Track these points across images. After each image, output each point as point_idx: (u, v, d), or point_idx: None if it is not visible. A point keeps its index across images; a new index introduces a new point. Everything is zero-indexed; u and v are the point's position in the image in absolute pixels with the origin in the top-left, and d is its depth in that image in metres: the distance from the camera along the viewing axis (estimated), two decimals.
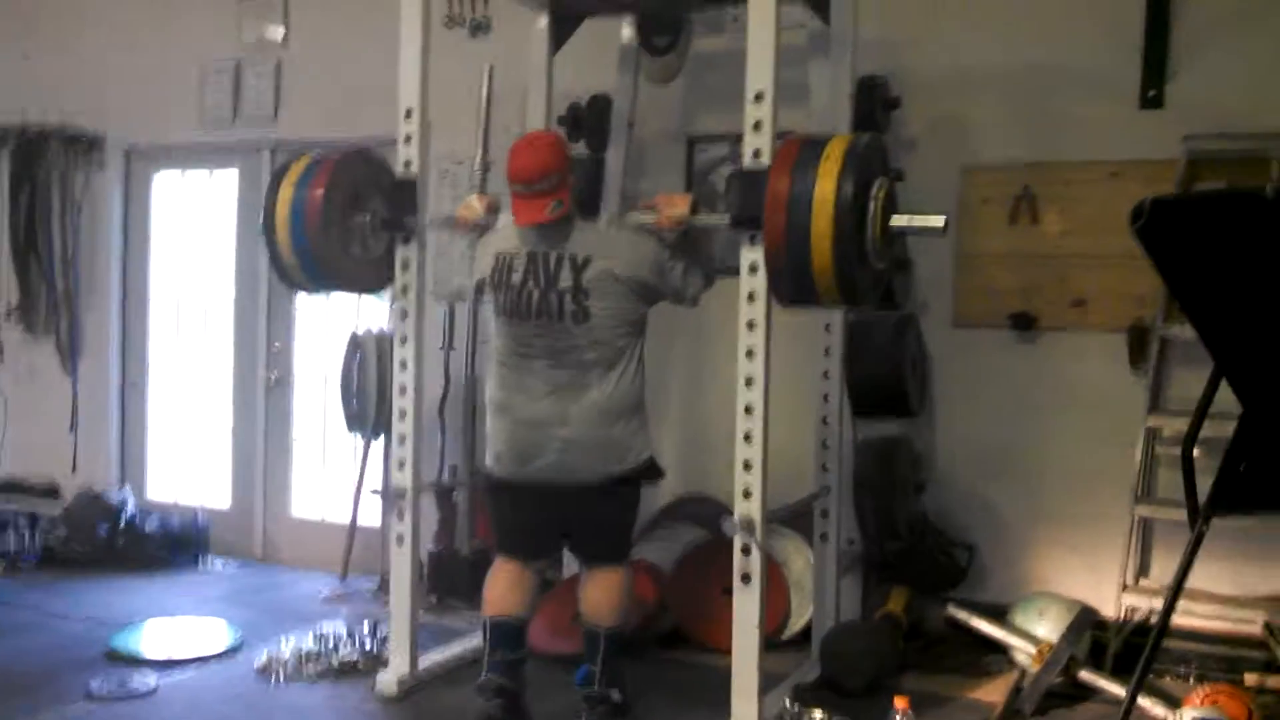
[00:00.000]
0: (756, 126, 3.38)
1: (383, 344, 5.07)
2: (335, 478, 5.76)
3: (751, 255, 3.38)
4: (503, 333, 3.56)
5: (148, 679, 3.96)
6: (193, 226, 6.26)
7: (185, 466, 6.27)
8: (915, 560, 4.36)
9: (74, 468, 6.27)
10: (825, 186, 3.06)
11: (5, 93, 6.39)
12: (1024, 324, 4.48)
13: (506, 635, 3.57)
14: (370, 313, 5.54)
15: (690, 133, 5.09)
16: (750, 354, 3.43)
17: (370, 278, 4.09)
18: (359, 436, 5.30)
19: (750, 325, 3.43)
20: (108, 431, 6.33)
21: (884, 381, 4.26)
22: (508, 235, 3.59)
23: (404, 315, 3.99)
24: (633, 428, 3.50)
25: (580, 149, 4.92)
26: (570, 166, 3.52)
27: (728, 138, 4.90)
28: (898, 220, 3.22)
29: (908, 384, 4.29)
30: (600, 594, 3.59)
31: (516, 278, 3.48)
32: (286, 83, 5.86)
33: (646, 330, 3.58)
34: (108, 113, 6.23)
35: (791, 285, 3.18)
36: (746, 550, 3.43)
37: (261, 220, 3.89)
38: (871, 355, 4.26)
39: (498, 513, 3.76)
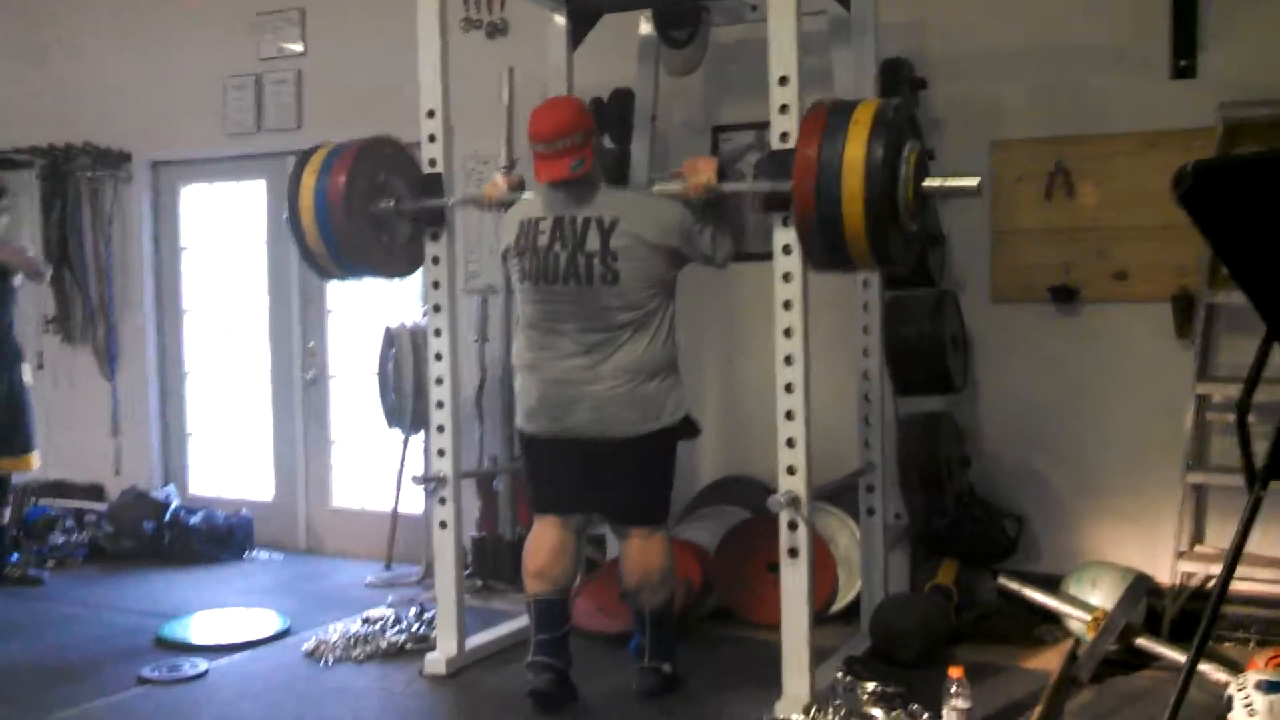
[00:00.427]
0: (783, 109, 3.36)
1: (416, 338, 5.09)
2: (375, 469, 5.80)
3: (786, 237, 3.37)
4: (530, 299, 3.55)
5: (198, 664, 3.98)
6: (223, 236, 6.32)
7: (227, 464, 6.33)
8: (963, 533, 4.34)
9: (117, 469, 6.34)
10: (855, 150, 3.06)
11: (33, 113, 6.50)
12: (1065, 297, 4.45)
13: (551, 614, 3.59)
14: (403, 307, 5.58)
15: (715, 122, 5.10)
16: (788, 333, 3.42)
17: (400, 263, 4.08)
18: (398, 430, 5.32)
19: (787, 305, 3.42)
20: (149, 433, 6.39)
21: (925, 358, 4.25)
22: (533, 203, 3.61)
23: (437, 309, 4.00)
24: (666, 385, 3.51)
25: (605, 143, 4.93)
26: (593, 130, 3.51)
27: (752, 126, 4.93)
28: (930, 182, 3.20)
29: (949, 359, 4.27)
30: (640, 565, 3.59)
31: (543, 240, 3.47)
32: (308, 92, 5.91)
33: (676, 293, 3.58)
34: (133, 128, 6.31)
35: (824, 250, 3.18)
36: (793, 526, 3.42)
37: (286, 210, 3.92)
38: (911, 332, 4.25)
39: (533, 469, 3.72)
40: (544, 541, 3.65)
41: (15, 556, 5.41)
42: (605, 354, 3.45)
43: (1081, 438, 4.51)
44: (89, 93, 6.40)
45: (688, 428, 3.62)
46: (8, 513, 5.33)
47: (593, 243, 3.42)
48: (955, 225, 4.58)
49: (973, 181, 3.24)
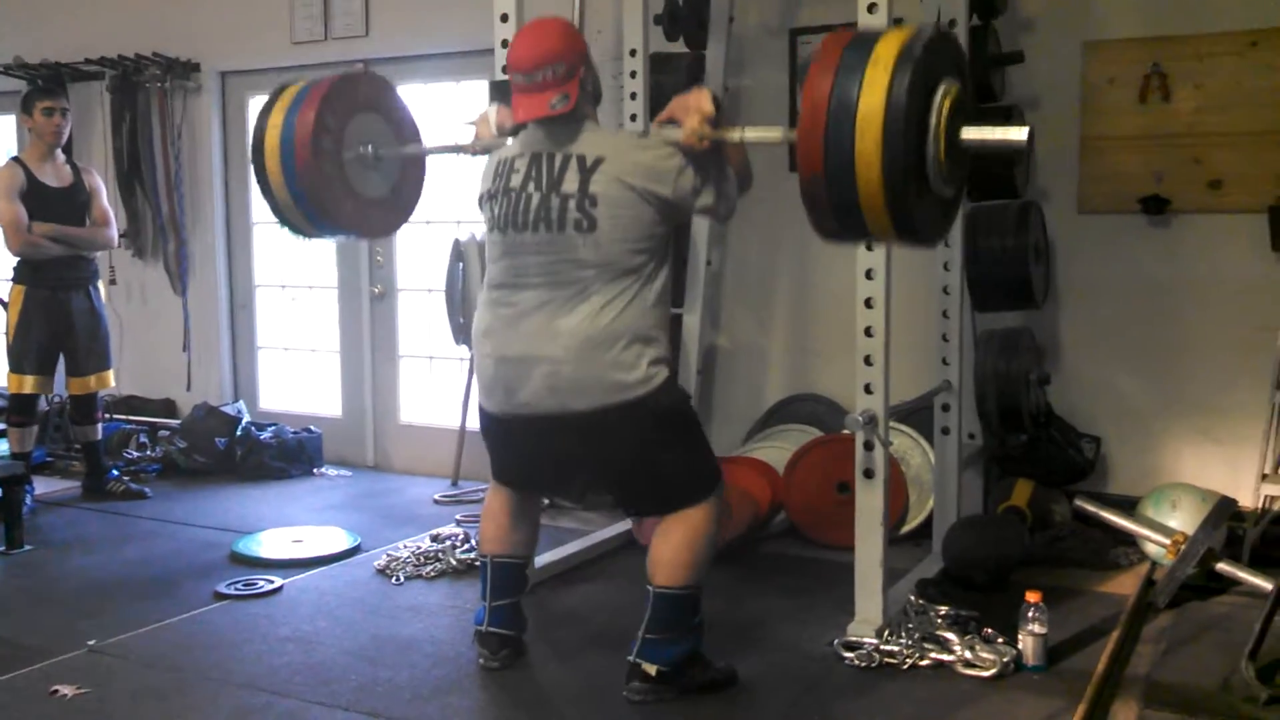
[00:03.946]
0: (872, 8, 3.19)
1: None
2: (443, 386, 5.81)
3: None
4: (496, 253, 3.04)
5: (272, 580, 4.03)
6: None
7: (296, 380, 6.39)
8: (1040, 453, 4.26)
9: (189, 385, 6.42)
10: (871, 99, 2.44)
11: (102, 22, 6.47)
12: (1156, 208, 4.28)
13: (507, 578, 3.30)
14: (474, 220, 5.51)
15: (793, 24, 4.92)
16: (869, 246, 3.31)
17: (377, 220, 3.64)
18: (466, 347, 5.29)
19: None
20: (219, 349, 6.46)
21: (1006, 272, 4.10)
22: (514, 143, 3.12)
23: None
24: (635, 351, 2.91)
25: (679, 46, 4.80)
26: (583, 59, 3.01)
27: (833, 29, 4.74)
28: (969, 134, 2.59)
29: (1031, 274, 4.13)
30: (661, 542, 3.02)
31: (516, 180, 2.98)
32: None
33: (669, 255, 3.03)
34: (201, 38, 6.26)
35: (834, 220, 2.60)
36: (869, 445, 3.35)
37: (250, 151, 3.45)
38: (993, 244, 4.11)
39: (491, 451, 3.28)
40: (498, 506, 3.30)
41: (115, 472, 5.50)
42: (566, 310, 2.91)
43: (1167, 355, 4.38)
44: (157, 2, 6.35)
45: (669, 396, 2.99)
46: (100, 429, 5.44)
47: (570, 183, 2.90)
48: (1041, 132, 4.36)
49: (1020, 134, 2.63)
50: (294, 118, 3.33)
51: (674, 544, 3.00)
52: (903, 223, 2.55)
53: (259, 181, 3.45)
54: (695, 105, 2.91)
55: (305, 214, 3.46)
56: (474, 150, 3.34)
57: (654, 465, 3.01)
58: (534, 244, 2.94)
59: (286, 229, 3.57)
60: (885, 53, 2.49)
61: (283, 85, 3.48)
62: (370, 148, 3.51)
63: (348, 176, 3.47)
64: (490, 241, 3.07)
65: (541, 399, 2.95)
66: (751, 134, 2.98)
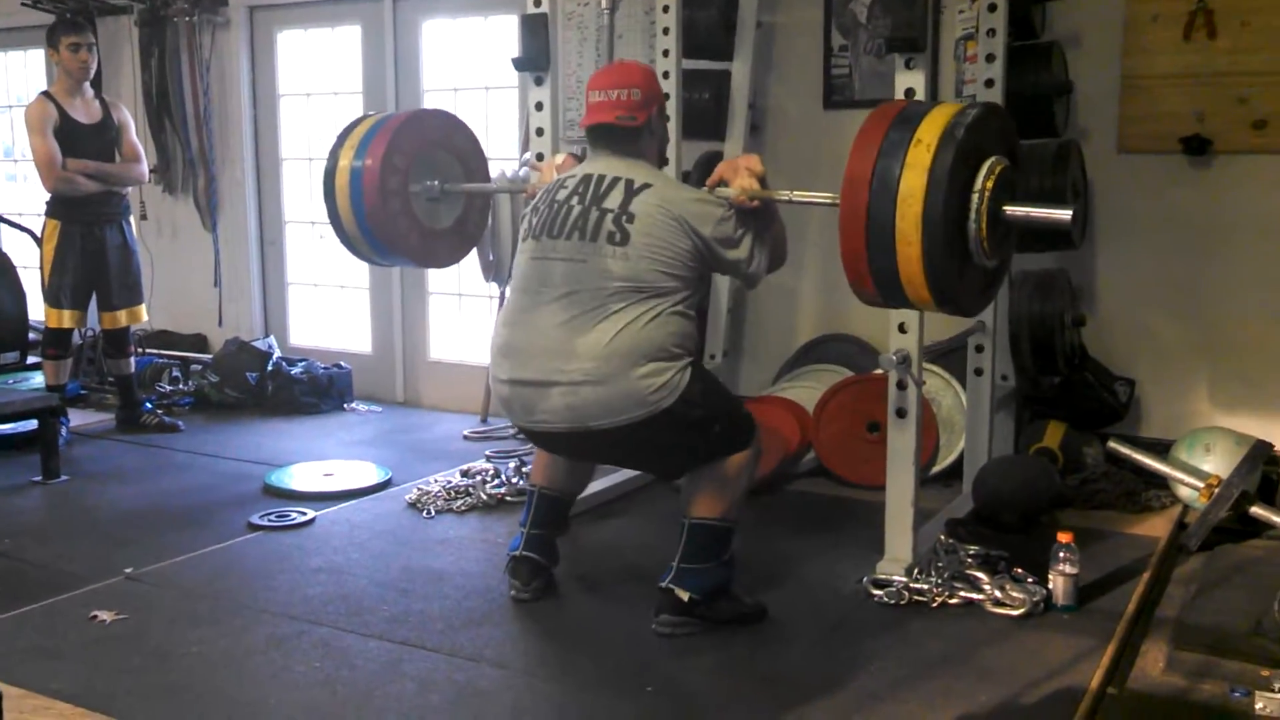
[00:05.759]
0: None
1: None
2: (472, 323, 5.81)
3: (908, 80, 3.18)
4: (524, 259, 3.07)
5: (305, 512, 4.06)
6: (319, 83, 6.26)
7: (325, 316, 6.40)
8: (1073, 395, 4.22)
9: (220, 320, 6.45)
10: (912, 180, 2.49)
11: None
12: (1197, 148, 4.20)
13: (551, 510, 3.37)
14: (502, 157, 5.48)
15: None
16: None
17: (443, 250, 3.85)
18: (495, 285, 5.29)
19: None
20: (249, 285, 6.47)
21: None
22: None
23: (539, 158, 3.92)
24: (655, 367, 2.88)
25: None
26: (658, 102, 3.12)
27: None
28: (1013, 211, 2.64)
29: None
30: (698, 477, 3.06)
31: (563, 194, 3.05)
32: None
33: (700, 292, 3.06)
34: None
35: (876, 293, 2.67)
36: (902, 385, 3.33)
37: (323, 188, 3.68)
38: (1030, 185, 4.04)
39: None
40: (547, 457, 3.36)
41: (148, 405, 5.55)
42: (586, 328, 2.90)
43: (1205, 298, 4.32)
44: None
45: (692, 393, 2.94)
46: (133, 363, 5.48)
47: (613, 200, 2.96)
48: (1082, 71, 4.32)
49: (1065, 214, 2.69)
50: (363, 158, 3.55)
51: (712, 479, 3.04)
52: (943, 296, 2.61)
53: (329, 216, 3.69)
54: (745, 165, 3.03)
55: (373, 246, 3.68)
56: (533, 193, 3.39)
57: (689, 449, 3.04)
58: (564, 251, 2.97)
59: (357, 257, 3.81)
60: (928, 133, 2.53)
61: (353, 122, 3.67)
62: (436, 183, 3.70)
63: (415, 211, 3.69)
64: (521, 250, 3.10)
65: (560, 416, 2.96)
66: (799, 196, 3.04)
